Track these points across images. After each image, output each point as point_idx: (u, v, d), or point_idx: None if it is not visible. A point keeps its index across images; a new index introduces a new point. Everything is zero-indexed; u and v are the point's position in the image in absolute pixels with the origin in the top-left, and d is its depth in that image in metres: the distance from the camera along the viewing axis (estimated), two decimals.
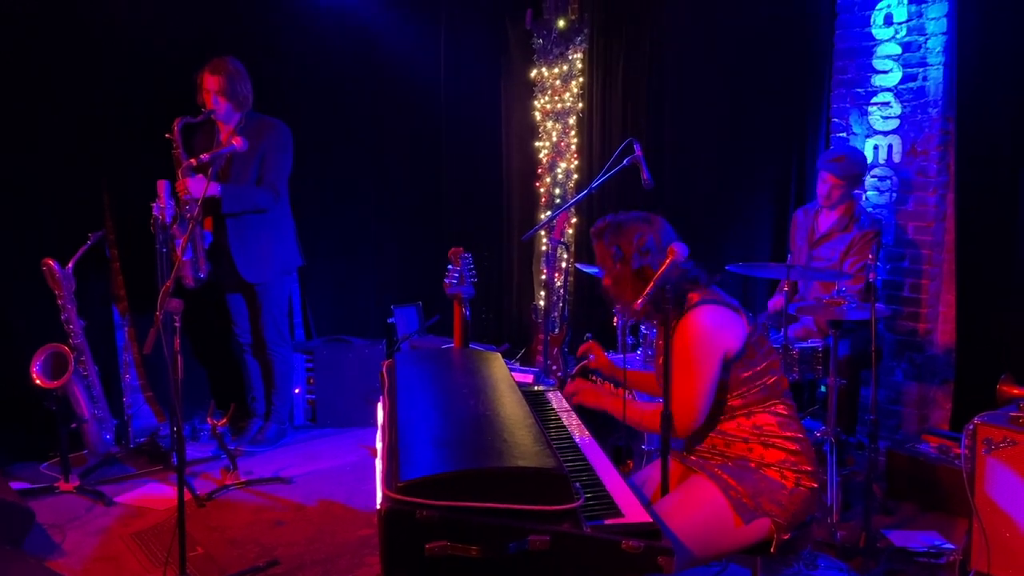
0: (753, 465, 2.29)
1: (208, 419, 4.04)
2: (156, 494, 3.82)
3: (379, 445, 2.19)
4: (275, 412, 4.53)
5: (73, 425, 3.95)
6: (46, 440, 4.05)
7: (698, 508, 2.23)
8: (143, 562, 3.19)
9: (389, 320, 5.46)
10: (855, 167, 3.99)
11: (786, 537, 2.21)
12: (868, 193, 4.44)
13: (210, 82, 4.09)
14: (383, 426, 2.25)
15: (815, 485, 2.29)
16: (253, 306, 4.41)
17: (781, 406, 2.34)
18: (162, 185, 3.78)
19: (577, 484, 1.81)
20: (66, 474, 3.81)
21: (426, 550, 1.62)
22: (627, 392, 2.61)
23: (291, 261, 4.49)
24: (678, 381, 2.29)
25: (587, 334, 4.98)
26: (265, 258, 4.29)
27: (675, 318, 2.32)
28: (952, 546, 3.23)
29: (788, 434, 2.31)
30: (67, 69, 4.21)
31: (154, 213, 3.70)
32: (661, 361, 2.44)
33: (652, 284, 2.18)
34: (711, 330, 2.27)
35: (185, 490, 2.88)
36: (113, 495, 3.76)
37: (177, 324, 2.78)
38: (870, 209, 4.37)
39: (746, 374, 2.31)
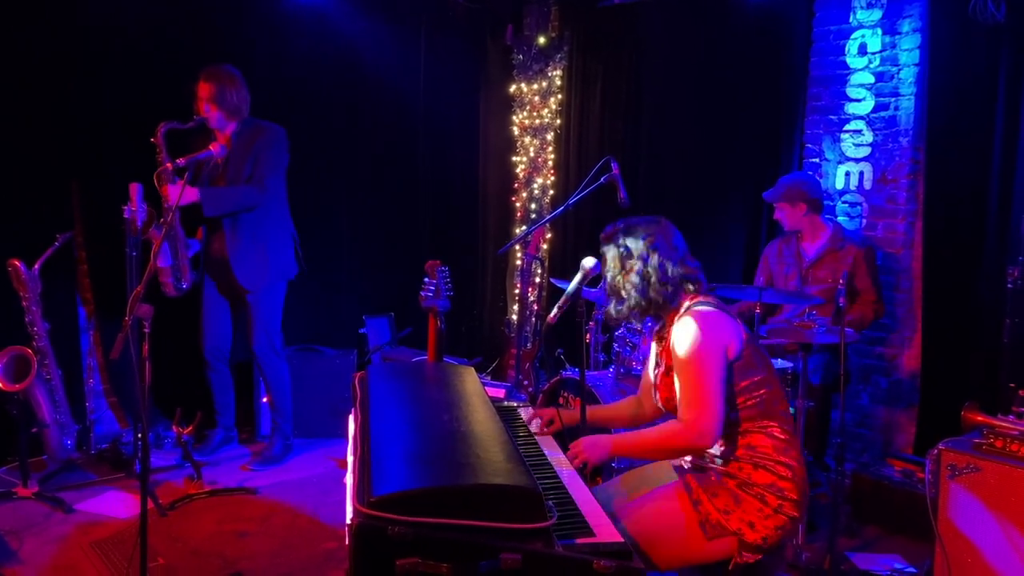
0: (734, 483, 2.25)
1: (174, 427, 3.97)
2: (117, 502, 3.74)
3: (350, 458, 2.16)
4: (279, 429, 4.42)
5: (34, 429, 3.86)
6: (5, 444, 3.97)
7: (664, 516, 2.24)
8: (102, 572, 3.12)
9: (361, 330, 5.41)
10: (789, 187, 4.04)
11: (750, 559, 2.20)
12: (839, 219, 4.51)
13: (202, 89, 4.03)
14: (355, 439, 2.22)
15: (796, 514, 2.24)
16: (241, 316, 4.31)
17: (778, 429, 2.29)
18: (135, 188, 3.73)
19: (550, 502, 1.81)
20: (25, 479, 3.72)
21: (397, 567, 1.60)
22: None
23: (288, 268, 4.38)
24: (685, 386, 2.25)
25: (558, 350, 5.02)
26: (262, 264, 4.20)
27: (670, 322, 2.37)
28: (914, 570, 3.27)
29: (783, 459, 2.26)
30: (40, 65, 4.13)
31: (125, 216, 3.65)
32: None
33: (564, 298, 2.43)
34: (708, 328, 2.24)
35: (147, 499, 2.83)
36: (73, 502, 3.68)
37: (147, 330, 2.73)
38: None
39: (743, 383, 2.28)
